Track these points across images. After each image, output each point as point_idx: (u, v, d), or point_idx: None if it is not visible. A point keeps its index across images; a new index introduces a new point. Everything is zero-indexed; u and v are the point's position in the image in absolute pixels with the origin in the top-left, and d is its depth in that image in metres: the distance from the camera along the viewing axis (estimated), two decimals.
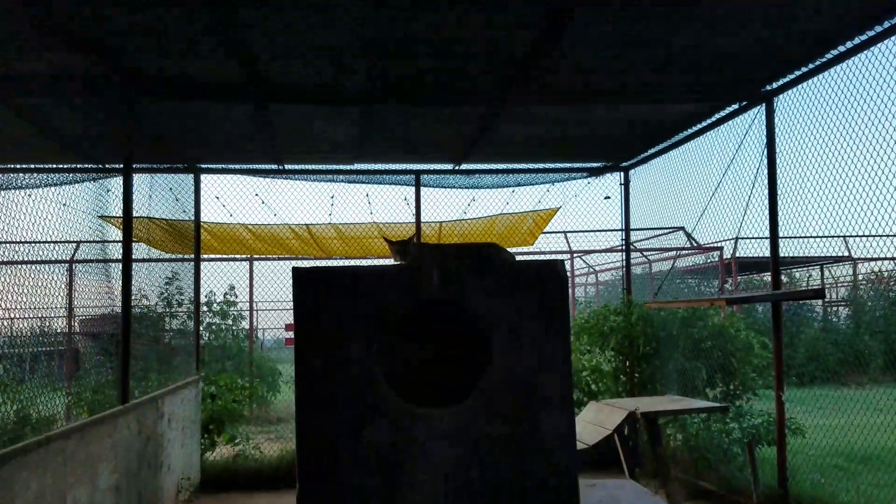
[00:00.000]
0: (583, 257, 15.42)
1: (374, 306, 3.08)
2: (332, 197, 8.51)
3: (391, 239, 3.57)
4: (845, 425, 8.67)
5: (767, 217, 5.47)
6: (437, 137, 6.71)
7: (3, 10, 3.88)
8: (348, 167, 7.73)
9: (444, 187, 8.00)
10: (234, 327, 11.80)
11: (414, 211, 7.79)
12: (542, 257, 10.58)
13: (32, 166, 6.98)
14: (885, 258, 14.61)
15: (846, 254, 13.41)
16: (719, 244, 11.83)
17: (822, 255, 13.69)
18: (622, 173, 8.06)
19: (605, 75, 5.16)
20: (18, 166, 7.04)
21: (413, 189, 7.78)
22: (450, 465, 3.04)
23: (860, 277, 16.35)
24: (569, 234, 12.61)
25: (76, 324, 11.60)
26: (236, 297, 11.64)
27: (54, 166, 6.91)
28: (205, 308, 10.34)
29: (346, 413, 3.02)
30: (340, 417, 3.01)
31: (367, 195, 8.49)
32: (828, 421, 9.03)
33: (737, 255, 12.47)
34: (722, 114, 6.00)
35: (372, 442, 3.01)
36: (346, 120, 6.07)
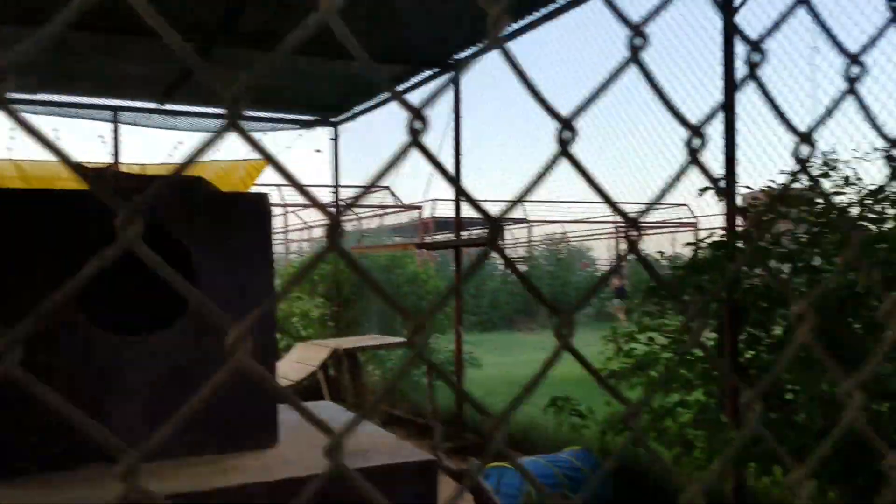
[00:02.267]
0: (297, 212, 15.60)
1: (66, 235, 2.97)
2: (12, 129, 7.51)
3: (85, 167, 3.42)
4: (514, 362, 10.25)
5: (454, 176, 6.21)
6: (139, 73, 6.33)
7: None
8: (31, 97, 6.92)
9: (146, 126, 7.57)
10: None
11: (112, 150, 7.27)
12: None
13: None
14: (555, 221, 17.18)
15: (524, 217, 15.53)
16: (421, 203, 12.88)
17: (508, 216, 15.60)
18: (333, 128, 8.36)
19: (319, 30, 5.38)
20: None
21: (111, 126, 7.24)
22: (150, 392, 3.09)
23: (535, 239, 18.98)
24: (283, 189, 12.67)
25: None
26: None
27: None
28: None
29: (39, 350, 2.89)
30: (34, 355, 2.88)
31: (56, 129, 7.67)
32: (501, 358, 10.58)
33: (434, 214, 13.70)
34: (420, 77, 6.59)
35: (70, 376, 2.94)
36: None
